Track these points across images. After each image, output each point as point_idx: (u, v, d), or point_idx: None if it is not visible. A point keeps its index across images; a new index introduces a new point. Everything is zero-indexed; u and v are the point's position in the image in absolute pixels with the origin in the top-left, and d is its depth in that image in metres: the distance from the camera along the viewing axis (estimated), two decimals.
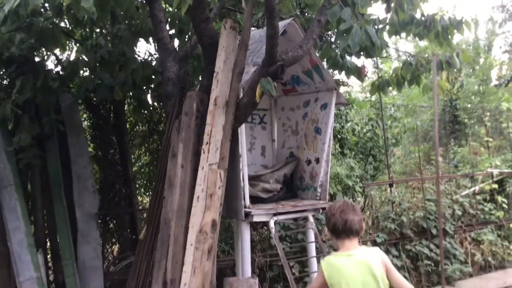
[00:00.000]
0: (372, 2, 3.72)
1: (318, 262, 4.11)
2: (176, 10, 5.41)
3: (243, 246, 3.83)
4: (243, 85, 3.66)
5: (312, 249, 4.30)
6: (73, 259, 5.12)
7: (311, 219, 4.10)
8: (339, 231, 2.69)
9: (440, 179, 8.11)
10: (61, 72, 4.62)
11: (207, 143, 3.49)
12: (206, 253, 3.28)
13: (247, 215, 3.73)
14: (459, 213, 7.47)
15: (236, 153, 3.69)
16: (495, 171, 8.27)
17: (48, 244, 5.59)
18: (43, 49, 4.93)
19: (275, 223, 3.87)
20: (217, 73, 3.62)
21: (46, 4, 4.09)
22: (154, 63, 5.65)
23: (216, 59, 3.65)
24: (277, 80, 3.57)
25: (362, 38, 2.68)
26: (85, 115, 6.35)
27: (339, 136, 7.11)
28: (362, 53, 5.10)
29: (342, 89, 9.80)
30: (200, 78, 5.09)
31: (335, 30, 6.09)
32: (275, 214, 3.85)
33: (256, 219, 3.79)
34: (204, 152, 3.49)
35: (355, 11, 2.97)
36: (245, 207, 3.71)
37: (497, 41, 20.35)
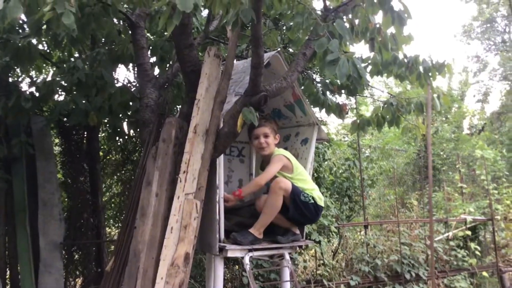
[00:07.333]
0: (358, 39, 3.70)
1: None
2: (160, 32, 5.37)
3: (216, 282, 3.62)
4: (224, 115, 3.57)
5: None
6: None
7: (287, 256, 3.95)
8: None
9: (414, 222, 8.12)
10: (35, 93, 4.44)
11: (184, 171, 3.34)
12: None
13: (222, 249, 3.54)
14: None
15: (213, 185, 3.53)
16: (469, 218, 8.30)
17: (8, 273, 5.26)
18: (17, 68, 4.77)
19: (249, 259, 3.70)
20: (198, 100, 3.51)
21: (23, 18, 3.96)
22: (133, 89, 5.54)
23: (198, 86, 3.55)
24: (258, 112, 3.50)
25: (349, 70, 2.64)
26: (57, 140, 6.14)
27: (315, 175, 7.04)
28: (343, 91, 5.18)
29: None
30: (180, 107, 4.99)
31: (318, 67, 6.15)
32: (250, 250, 3.68)
33: (230, 254, 3.60)
34: (180, 181, 3.33)
35: (341, 44, 2.93)
36: (219, 241, 3.54)
37: (470, 91, 21.03)
